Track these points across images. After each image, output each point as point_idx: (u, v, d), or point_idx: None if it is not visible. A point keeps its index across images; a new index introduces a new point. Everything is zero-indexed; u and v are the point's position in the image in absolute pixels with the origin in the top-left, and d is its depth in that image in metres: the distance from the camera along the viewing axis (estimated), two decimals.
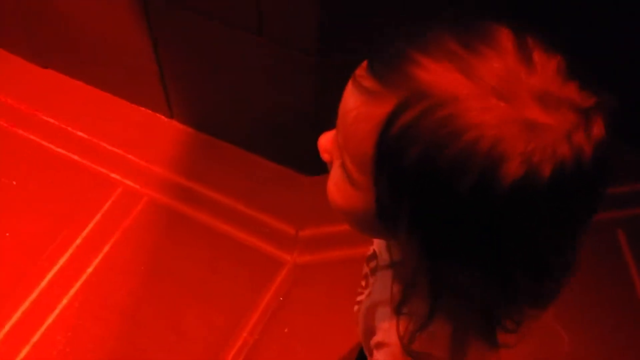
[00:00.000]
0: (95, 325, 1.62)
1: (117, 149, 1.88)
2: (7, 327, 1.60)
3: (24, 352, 1.57)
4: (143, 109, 1.96)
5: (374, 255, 0.87)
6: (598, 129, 0.53)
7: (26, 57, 2.04)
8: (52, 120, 1.93)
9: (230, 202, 1.80)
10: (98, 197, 1.80)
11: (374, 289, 0.82)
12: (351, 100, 0.60)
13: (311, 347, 1.60)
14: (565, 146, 0.52)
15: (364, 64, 0.60)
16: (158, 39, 1.72)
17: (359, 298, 0.90)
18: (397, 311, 0.67)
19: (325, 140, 0.69)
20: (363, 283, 0.91)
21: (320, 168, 2.04)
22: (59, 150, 1.88)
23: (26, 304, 1.63)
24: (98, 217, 1.77)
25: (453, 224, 0.55)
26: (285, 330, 1.62)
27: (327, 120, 1.89)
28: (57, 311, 1.63)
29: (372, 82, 0.57)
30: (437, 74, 0.53)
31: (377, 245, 0.84)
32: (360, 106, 0.58)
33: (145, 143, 1.90)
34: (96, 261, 1.70)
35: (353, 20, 1.46)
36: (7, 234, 1.74)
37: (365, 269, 0.90)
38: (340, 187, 0.65)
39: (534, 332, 0.68)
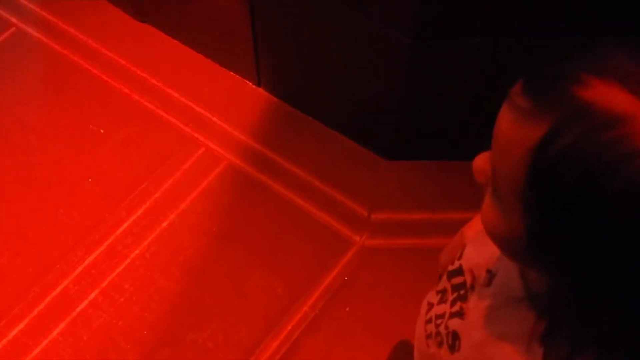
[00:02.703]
0: (163, 278, 1.66)
1: (204, 111, 1.91)
2: (79, 270, 1.66)
3: (92, 296, 1.62)
4: (233, 74, 1.98)
5: (459, 272, 0.83)
6: None
7: (125, 9, 2.08)
8: (144, 75, 1.98)
9: (306, 176, 1.81)
10: (180, 154, 1.84)
11: (489, 320, 0.74)
12: (504, 120, 0.55)
13: (370, 330, 1.60)
14: None
15: (519, 82, 0.56)
16: (256, 6, 1.73)
17: (432, 312, 0.87)
18: (545, 350, 0.62)
19: (482, 161, 0.63)
20: (436, 294, 0.88)
21: (400, 153, 2.03)
22: (148, 104, 1.93)
23: (100, 249, 1.69)
24: (178, 174, 1.80)
25: (614, 260, 0.50)
26: (347, 309, 1.62)
27: (416, 106, 1.86)
28: (128, 260, 1.67)
29: (527, 101, 0.53)
30: (603, 93, 0.49)
31: (503, 273, 0.75)
32: (513, 127, 0.54)
33: (231, 108, 1.92)
34: (171, 216, 1.74)
35: (456, 4, 1.43)
36: (90, 180, 1.79)
37: (445, 283, 0.85)
38: (491, 211, 0.61)
39: None
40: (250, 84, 1.96)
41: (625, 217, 0.48)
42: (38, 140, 1.86)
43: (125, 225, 1.72)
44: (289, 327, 1.59)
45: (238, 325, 1.60)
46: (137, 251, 1.69)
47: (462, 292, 0.81)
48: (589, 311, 0.55)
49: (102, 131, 1.88)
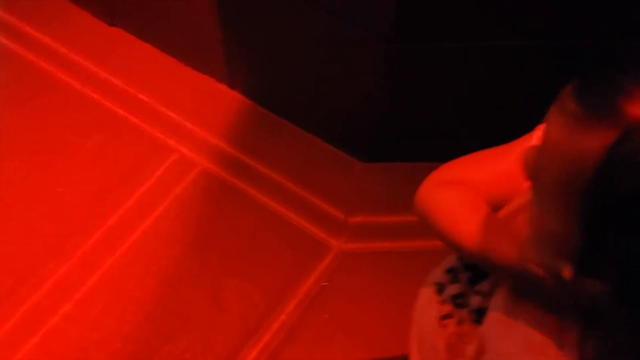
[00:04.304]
0: (137, 289, 1.62)
1: (177, 115, 1.88)
2: (50, 282, 1.62)
3: (65, 308, 1.59)
4: (205, 76, 1.95)
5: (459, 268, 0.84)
6: None
7: (94, 12, 2.05)
8: (114, 80, 1.94)
9: (282, 179, 1.79)
10: (153, 161, 1.80)
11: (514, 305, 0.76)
12: (554, 123, 0.57)
13: (349, 335, 1.58)
14: None
15: (569, 88, 0.58)
16: (226, 8, 1.70)
17: (446, 292, 0.87)
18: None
19: (532, 155, 0.65)
20: (446, 274, 0.87)
21: (376, 155, 2.02)
22: (119, 110, 1.89)
23: (72, 261, 1.65)
24: (151, 181, 1.77)
25: None
26: (325, 316, 1.60)
27: (392, 109, 1.86)
28: (101, 271, 1.64)
29: (579, 109, 0.55)
30: None
31: None
32: (563, 130, 0.56)
33: (205, 112, 1.89)
34: (144, 225, 1.71)
35: (430, 7, 1.41)
36: (61, 189, 1.76)
37: (454, 262, 0.87)
38: (539, 207, 0.63)
39: None
40: (224, 86, 1.93)
41: None
42: (6, 150, 1.81)
43: (97, 235, 1.69)
44: (268, 336, 1.57)
45: (215, 335, 1.57)
46: (110, 261, 1.65)
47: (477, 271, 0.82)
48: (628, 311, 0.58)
49: (72, 139, 1.84)
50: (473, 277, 0.85)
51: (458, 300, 0.85)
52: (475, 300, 0.83)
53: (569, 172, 0.55)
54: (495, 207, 0.82)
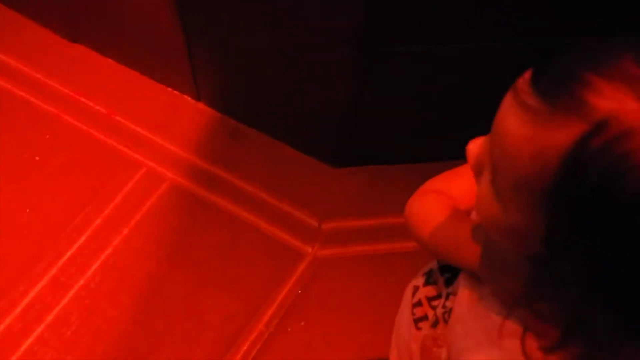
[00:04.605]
0: (111, 307, 1.60)
1: (143, 130, 1.86)
2: (22, 305, 1.59)
3: (38, 331, 1.56)
4: (170, 89, 1.93)
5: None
6: None
7: (56, 30, 2.02)
8: (78, 97, 1.92)
9: (253, 189, 1.77)
10: (121, 177, 1.78)
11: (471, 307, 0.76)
12: (511, 116, 0.55)
13: (328, 342, 1.57)
14: None
15: (526, 76, 0.56)
16: (188, 18, 1.68)
17: (419, 294, 0.87)
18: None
19: (477, 149, 0.63)
20: (422, 276, 0.87)
21: (347, 160, 2.02)
22: (84, 127, 1.87)
23: (43, 282, 1.62)
24: (120, 197, 1.75)
25: (622, 259, 0.52)
26: (302, 324, 1.59)
27: (361, 113, 1.86)
28: (73, 291, 1.61)
29: (539, 102, 0.53)
30: (615, 102, 0.50)
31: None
32: (524, 126, 0.54)
33: (171, 125, 1.87)
34: (115, 242, 1.68)
35: (395, 12, 1.41)
36: (28, 210, 1.73)
37: (432, 264, 0.86)
38: (487, 201, 0.61)
39: None
40: (189, 98, 1.92)
41: (634, 219, 0.50)
42: None
43: (67, 255, 1.66)
44: (245, 347, 1.55)
45: (193, 349, 1.55)
46: (82, 281, 1.63)
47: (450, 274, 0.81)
48: (587, 304, 0.56)
49: (37, 158, 1.81)
50: (451, 278, 0.84)
51: (433, 302, 0.85)
52: (450, 302, 0.81)
53: (533, 170, 0.54)
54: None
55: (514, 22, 1.40)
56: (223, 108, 1.89)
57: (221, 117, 1.89)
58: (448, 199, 0.83)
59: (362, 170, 1.80)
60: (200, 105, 1.91)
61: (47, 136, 1.85)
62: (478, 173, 0.64)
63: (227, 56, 1.74)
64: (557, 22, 1.36)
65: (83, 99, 1.91)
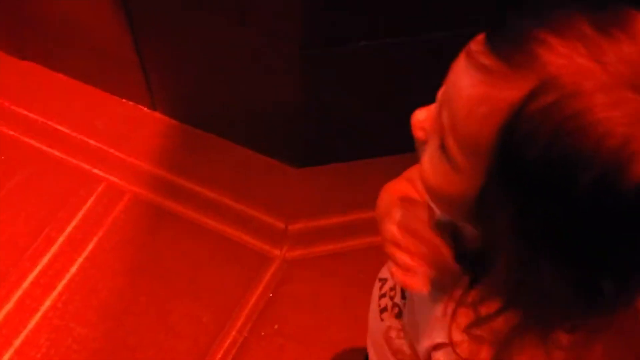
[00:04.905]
0: (80, 326, 1.57)
1: (99, 143, 1.83)
2: None
3: (6, 357, 1.53)
4: (125, 101, 1.90)
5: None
6: None
7: (3, 48, 1.98)
8: (31, 115, 1.88)
9: (216, 196, 1.76)
10: (81, 193, 1.75)
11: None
12: (465, 77, 0.54)
13: (302, 343, 1.56)
14: None
15: (479, 38, 0.55)
16: (138, 28, 1.66)
17: (386, 286, 0.86)
18: (461, 300, 0.64)
19: (423, 117, 0.62)
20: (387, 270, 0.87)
21: (308, 160, 2.02)
22: (39, 145, 1.83)
23: (8, 305, 1.59)
24: (81, 214, 1.72)
25: (563, 220, 0.51)
26: (275, 327, 1.58)
27: (316, 112, 1.87)
28: (40, 313, 1.58)
29: (493, 60, 0.52)
30: (567, 59, 0.49)
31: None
32: (478, 85, 0.53)
33: (128, 136, 1.85)
34: (80, 260, 1.66)
35: (338, 9, 1.41)
36: None
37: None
38: (437, 168, 0.59)
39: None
40: (145, 108, 1.89)
41: (575, 180, 0.49)
42: None
43: (31, 277, 1.63)
44: (220, 355, 1.54)
45: None
46: (48, 302, 1.60)
47: None
48: (529, 261, 0.55)
49: None
50: None
51: (391, 293, 0.84)
52: (409, 292, 0.81)
53: (485, 130, 0.53)
54: None
55: (454, 12, 1.41)
56: (180, 116, 1.87)
57: (179, 125, 1.87)
58: (406, 183, 0.82)
59: (325, 169, 1.80)
60: (157, 115, 1.89)
61: (2, 157, 1.81)
62: (421, 144, 0.62)
63: (179, 64, 1.72)
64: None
65: (36, 117, 1.87)
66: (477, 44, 0.54)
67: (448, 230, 0.69)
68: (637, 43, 0.49)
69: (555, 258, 0.54)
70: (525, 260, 0.55)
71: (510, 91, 0.51)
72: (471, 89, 0.53)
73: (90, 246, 1.67)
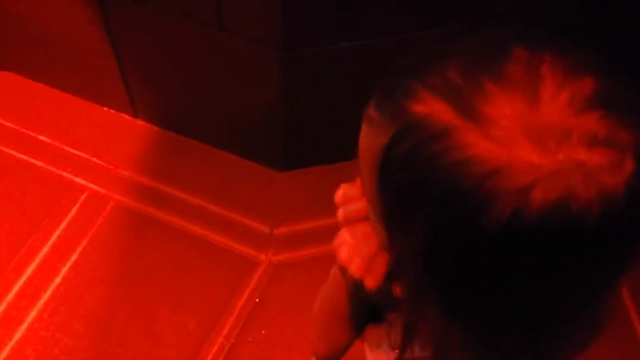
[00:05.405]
0: (66, 336, 1.56)
1: (81, 152, 1.82)
2: None
3: None
4: (106, 109, 1.89)
5: None
6: (627, 165, 0.48)
7: None
8: (11, 125, 1.87)
9: (200, 202, 1.75)
10: (63, 203, 1.74)
11: None
12: (362, 133, 0.58)
13: (290, 347, 1.56)
14: (560, 184, 0.47)
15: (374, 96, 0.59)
16: (116, 35, 1.66)
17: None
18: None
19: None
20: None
21: (291, 163, 2.02)
22: (20, 155, 1.82)
23: None
24: (64, 224, 1.71)
25: (439, 265, 0.53)
26: (263, 332, 1.58)
27: (298, 115, 1.87)
28: (25, 324, 1.57)
29: (375, 112, 0.56)
30: (430, 107, 0.51)
31: None
32: (365, 136, 0.57)
33: (110, 144, 1.84)
34: (64, 270, 1.65)
35: (317, 12, 1.41)
36: None
37: None
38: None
39: None
40: (127, 116, 1.89)
41: (451, 218, 0.50)
42: None
43: (16, 288, 1.62)
44: None
45: None
46: (33, 313, 1.59)
47: None
48: (421, 310, 0.59)
49: None
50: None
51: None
52: None
53: (368, 172, 0.57)
54: None
55: (433, 12, 1.42)
56: (161, 122, 1.86)
57: (161, 131, 1.86)
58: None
59: (308, 172, 1.80)
60: (139, 122, 1.88)
61: None
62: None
63: (159, 71, 1.72)
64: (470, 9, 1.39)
65: (16, 127, 1.86)
66: (372, 100, 0.58)
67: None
68: (504, 92, 0.50)
69: (443, 308, 0.55)
70: (416, 302, 0.59)
71: (381, 137, 0.54)
72: (362, 140, 0.58)
73: (74, 256, 1.66)
